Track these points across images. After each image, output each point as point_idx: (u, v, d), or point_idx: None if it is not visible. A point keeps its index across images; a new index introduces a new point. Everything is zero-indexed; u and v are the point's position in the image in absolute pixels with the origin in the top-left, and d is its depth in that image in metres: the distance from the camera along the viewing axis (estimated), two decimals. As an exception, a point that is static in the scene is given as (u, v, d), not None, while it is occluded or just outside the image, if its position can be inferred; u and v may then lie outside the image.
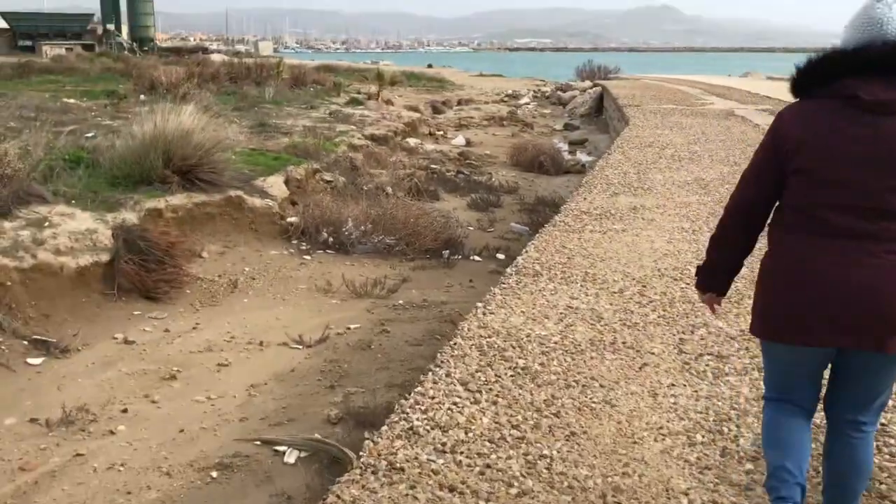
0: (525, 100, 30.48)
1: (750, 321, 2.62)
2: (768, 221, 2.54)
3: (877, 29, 2.32)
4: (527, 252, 6.36)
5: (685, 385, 3.77)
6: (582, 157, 19.46)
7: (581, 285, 5.37)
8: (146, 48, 61.73)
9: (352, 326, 6.71)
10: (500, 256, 9.43)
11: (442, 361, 3.99)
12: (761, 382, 3.41)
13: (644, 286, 5.36)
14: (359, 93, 26.36)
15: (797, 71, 2.44)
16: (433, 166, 14.94)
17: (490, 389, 3.67)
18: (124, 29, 63.45)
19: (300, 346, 6.25)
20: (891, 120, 2.27)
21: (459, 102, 27.67)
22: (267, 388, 5.48)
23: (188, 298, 7.29)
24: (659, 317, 4.74)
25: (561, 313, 4.78)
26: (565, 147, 21.19)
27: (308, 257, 8.70)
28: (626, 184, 9.11)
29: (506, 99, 31.44)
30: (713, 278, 2.75)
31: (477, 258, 9.28)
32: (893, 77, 2.28)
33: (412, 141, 17.13)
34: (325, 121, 16.79)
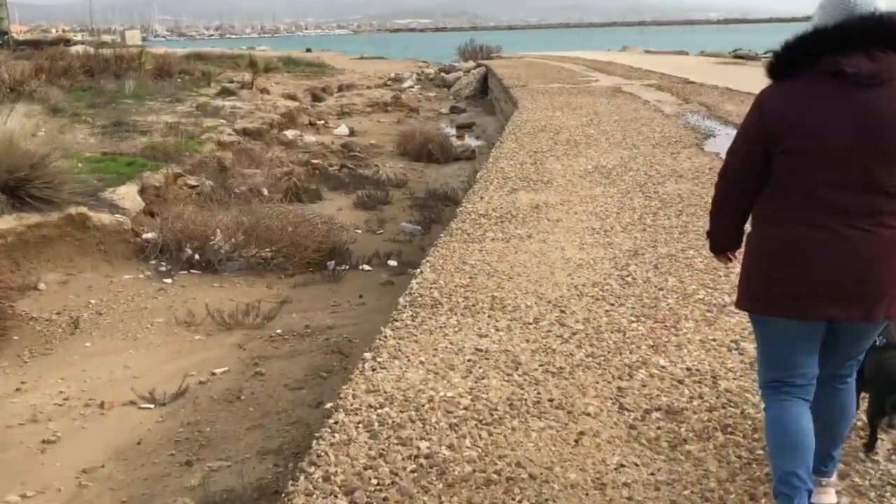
0: (409, 83, 29.44)
1: (737, 298, 2.61)
2: (758, 199, 2.52)
3: (849, 7, 2.34)
4: (422, 273, 5.36)
5: (637, 464, 2.88)
6: (471, 141, 18.64)
7: (489, 316, 4.42)
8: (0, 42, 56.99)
9: (217, 371, 5.54)
10: (392, 263, 8.44)
11: (319, 454, 2.96)
12: (729, 451, 3.09)
13: (562, 311, 4.47)
14: (231, 82, 24.63)
15: (779, 53, 2.43)
16: (314, 161, 13.73)
17: (385, 500, 2.68)
18: (-28, 21, 58.33)
19: (151, 406, 5.05)
20: (876, 92, 2.29)
21: (340, 88, 26.36)
22: (104, 472, 4.28)
23: (14, 347, 5.95)
24: (587, 356, 3.86)
25: (469, 360, 3.82)
26: (453, 132, 20.33)
27: (168, 280, 7.43)
28: (523, 177, 8.25)
29: (389, 83, 30.31)
30: (725, 240, 2.70)
31: (367, 267, 8.24)
32: (873, 50, 2.29)
33: (290, 133, 15.83)
34: (191, 115, 15.25)
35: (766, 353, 2.61)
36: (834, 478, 2.75)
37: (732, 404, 3.35)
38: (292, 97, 22.72)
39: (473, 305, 4.57)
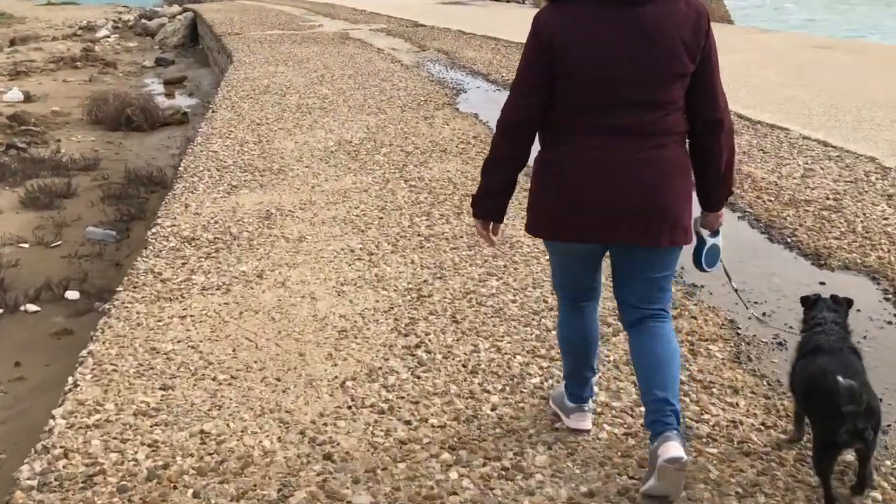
0: (104, 32, 25.07)
1: (526, 224, 2.51)
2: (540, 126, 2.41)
3: None
4: (77, 387, 3.10)
5: None
6: (182, 100, 15.74)
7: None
8: None
9: None
10: (73, 296, 5.96)
11: None
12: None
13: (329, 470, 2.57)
14: None
15: None
16: (-37, 144, 10.33)
17: None
18: None
19: None
20: (649, 8, 2.22)
21: (13, 42, 21.61)
22: None
23: None
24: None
25: None
26: (161, 89, 17.19)
27: None
28: (245, 165, 6.09)
29: (80, 32, 25.66)
30: (495, 203, 2.51)
31: (32, 308, 5.73)
32: None
33: (-65, 105, 12.02)
34: None
35: (555, 269, 2.62)
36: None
37: None
38: (-53, 55, 18.02)
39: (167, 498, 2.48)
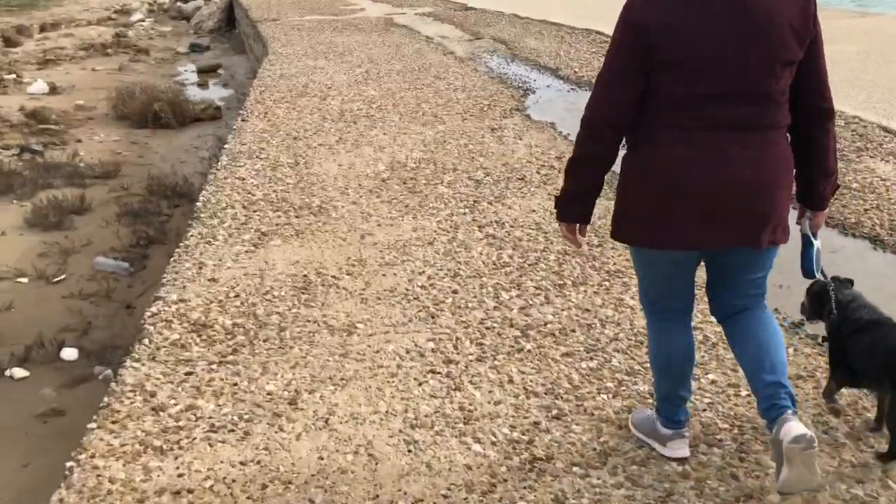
0: (138, 16, 24.01)
1: (613, 227, 2.29)
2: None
3: None
4: None
5: None
6: (216, 91, 14.58)
7: None
8: None
9: None
10: (70, 354, 4.84)
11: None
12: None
13: None
14: None
15: None
16: (-28, 149, 9.26)
17: None
18: None
19: None
20: None
21: (43, 28, 20.61)
22: None
23: None
24: None
25: None
26: (194, 77, 16.05)
27: None
28: (279, 199, 4.82)
29: (114, 17, 24.64)
30: (582, 206, 2.30)
31: (19, 372, 4.66)
32: None
33: (-51, 102, 10.98)
34: None
35: (647, 281, 2.38)
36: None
37: None
38: (-26, 42, 17.07)
39: None
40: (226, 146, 6.01)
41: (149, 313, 3.40)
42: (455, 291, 3.53)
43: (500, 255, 3.91)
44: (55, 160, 9.23)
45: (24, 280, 6.07)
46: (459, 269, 3.77)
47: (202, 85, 15.36)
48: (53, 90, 13.65)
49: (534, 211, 4.53)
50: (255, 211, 4.61)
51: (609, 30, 2.28)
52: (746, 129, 2.06)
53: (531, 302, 3.43)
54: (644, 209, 2.18)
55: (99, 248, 6.75)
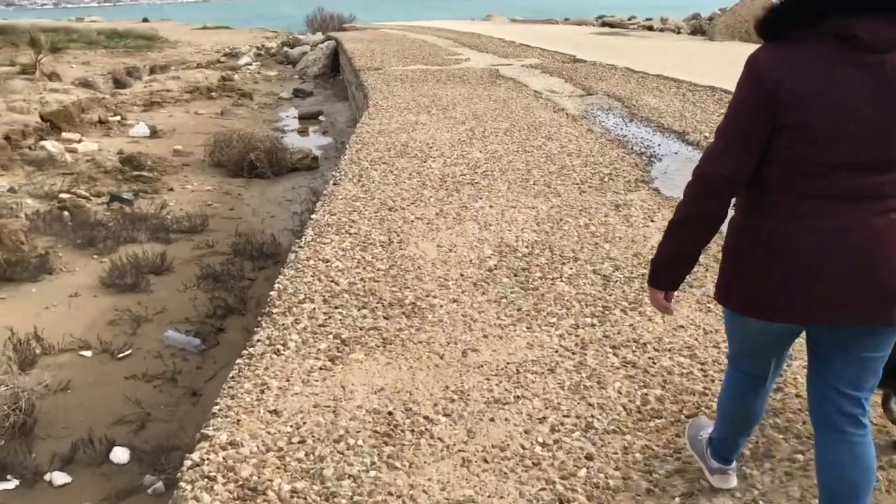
0: (246, 59, 24.29)
1: (717, 290, 2.15)
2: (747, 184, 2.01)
3: None
4: None
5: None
6: (314, 139, 14.20)
7: None
8: None
9: None
10: (120, 457, 4.31)
11: None
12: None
13: None
14: (12, 64, 18.91)
15: (775, 9, 1.95)
16: (64, 194, 8.94)
17: None
18: None
19: None
20: (889, 57, 1.84)
21: (153, 70, 20.96)
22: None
23: None
24: None
25: None
26: (295, 124, 15.79)
27: None
28: (366, 292, 3.98)
29: (223, 60, 25.03)
30: (679, 270, 2.17)
31: (60, 478, 4.10)
32: (888, 13, 1.84)
33: (50, 145, 10.83)
34: None
35: (738, 342, 2.23)
36: None
37: None
38: (87, 84, 17.36)
39: None
40: (313, 217, 5.26)
41: (189, 462, 2.57)
42: (590, 458, 2.57)
43: (645, 398, 2.93)
44: (143, 211, 8.82)
45: (88, 353, 5.49)
46: (593, 417, 2.81)
47: (302, 132, 15.04)
48: (154, 133, 13.54)
49: (682, 327, 3.53)
50: (336, 307, 3.78)
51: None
52: (872, 197, 1.90)
53: (699, 487, 2.43)
54: (752, 280, 2.02)
55: (173, 316, 6.14)
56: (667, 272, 2.18)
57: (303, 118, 16.38)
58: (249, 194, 10.31)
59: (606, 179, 6.07)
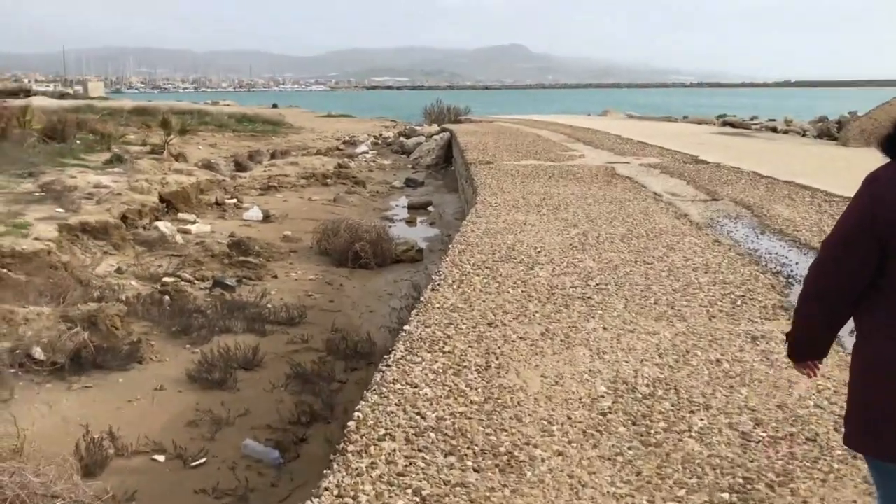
0: (363, 147, 24.78)
1: (847, 433, 2.00)
2: (865, 304, 1.95)
3: None
4: None
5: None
6: (421, 230, 13.97)
7: None
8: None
9: None
10: None
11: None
12: None
13: None
14: (143, 144, 19.91)
15: None
16: (168, 277, 8.88)
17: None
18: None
19: None
20: None
21: (274, 155, 21.58)
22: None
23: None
24: None
25: None
26: (404, 213, 15.69)
27: None
28: (455, 432, 3.37)
29: (341, 147, 25.66)
30: (812, 345, 2.13)
31: None
32: None
33: (164, 226, 10.97)
34: (19, 200, 10.41)
35: (886, 494, 1.98)
36: None
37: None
38: (210, 166, 17.97)
39: None
40: (406, 328, 4.76)
41: None
42: None
43: None
44: (243, 299, 8.64)
45: (161, 458, 5.11)
46: None
47: (410, 221, 14.88)
48: (267, 218, 13.65)
49: (852, 512, 2.76)
50: (420, 449, 3.21)
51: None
52: None
53: None
54: (878, 416, 1.87)
55: (255, 420, 5.73)
56: (800, 349, 2.13)
57: (412, 208, 16.29)
58: (351, 285, 10.04)
59: (739, 303, 5.32)
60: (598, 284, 5.76)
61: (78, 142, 18.45)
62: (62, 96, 63.66)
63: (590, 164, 13.56)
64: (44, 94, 69.44)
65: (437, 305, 5.17)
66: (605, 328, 4.79)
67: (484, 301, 5.30)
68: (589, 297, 5.42)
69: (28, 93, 67.86)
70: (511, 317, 4.98)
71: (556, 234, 7.47)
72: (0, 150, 14.62)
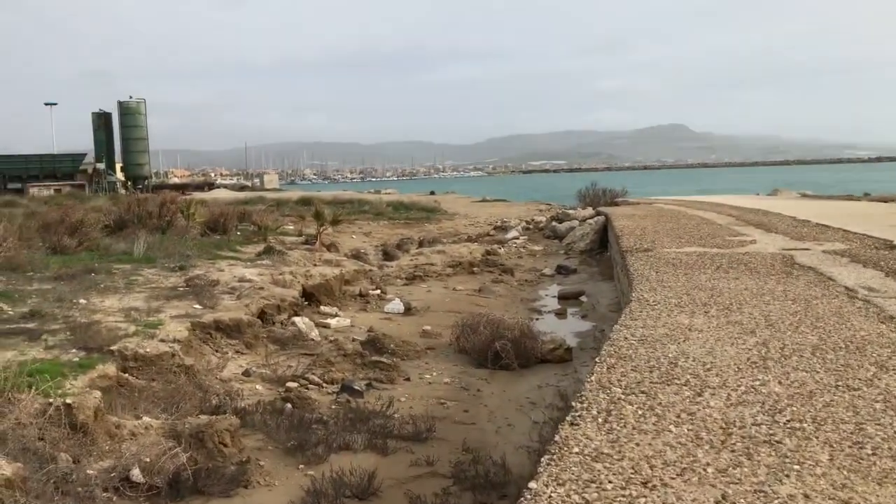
0: (513, 233, 24.00)
1: None
2: None
3: None
4: None
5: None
6: (571, 324, 12.75)
7: None
8: (139, 186, 57.87)
9: None
10: None
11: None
12: None
13: None
14: (299, 234, 20.19)
15: None
16: (292, 382, 8.23)
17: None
18: (118, 167, 60.09)
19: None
20: None
21: (422, 243, 21.21)
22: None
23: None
24: None
25: None
26: (554, 304, 14.57)
27: None
28: None
29: (492, 233, 25.04)
30: None
31: None
32: None
33: (301, 322, 10.50)
34: (161, 297, 10.31)
35: None
36: None
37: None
38: (359, 256, 17.77)
39: None
40: (531, 486, 3.64)
41: None
42: None
43: None
44: (370, 406, 7.83)
45: None
46: None
47: (560, 314, 13.72)
48: (408, 310, 12.98)
49: None
50: None
51: None
52: None
53: None
54: None
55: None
56: None
57: (563, 298, 15.15)
58: (490, 391, 9.00)
59: None
60: (789, 421, 4.38)
61: (238, 233, 18.95)
62: (242, 188, 68.32)
63: (763, 251, 11.90)
64: (226, 186, 74.85)
65: (575, 450, 4.02)
66: (805, 496, 3.44)
67: (637, 444, 4.09)
68: (778, 442, 4.07)
69: (212, 186, 73.44)
70: (673, 472, 3.74)
71: (729, 345, 6.10)
72: (161, 242, 15.05)
